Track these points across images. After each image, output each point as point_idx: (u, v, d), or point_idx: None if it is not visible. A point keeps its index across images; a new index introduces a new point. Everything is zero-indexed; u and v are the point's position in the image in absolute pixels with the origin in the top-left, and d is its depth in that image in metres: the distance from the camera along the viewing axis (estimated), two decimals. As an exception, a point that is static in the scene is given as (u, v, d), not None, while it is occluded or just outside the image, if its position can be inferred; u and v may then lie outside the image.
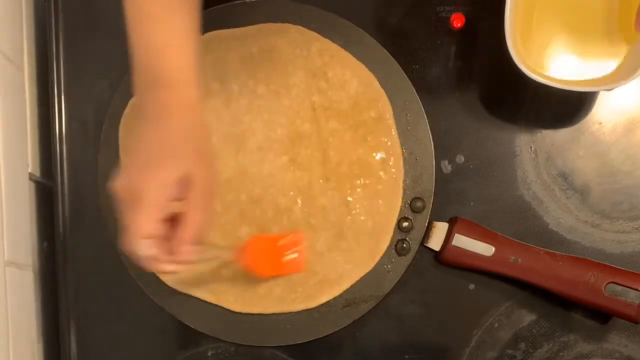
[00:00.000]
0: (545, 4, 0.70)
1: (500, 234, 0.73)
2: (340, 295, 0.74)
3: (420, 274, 0.75)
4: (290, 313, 0.74)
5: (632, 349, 0.74)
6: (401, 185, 0.74)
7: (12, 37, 0.74)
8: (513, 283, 0.73)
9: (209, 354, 0.76)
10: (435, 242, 0.74)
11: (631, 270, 0.71)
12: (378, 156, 0.74)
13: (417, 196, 0.74)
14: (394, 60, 0.74)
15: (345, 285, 0.74)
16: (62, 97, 0.76)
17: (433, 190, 0.74)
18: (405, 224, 0.74)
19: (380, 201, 0.74)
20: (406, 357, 0.75)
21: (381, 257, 0.74)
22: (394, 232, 0.74)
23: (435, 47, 0.75)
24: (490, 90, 0.76)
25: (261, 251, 0.68)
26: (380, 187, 0.74)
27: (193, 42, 0.59)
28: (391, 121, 0.74)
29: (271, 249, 0.70)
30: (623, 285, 0.70)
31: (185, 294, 0.74)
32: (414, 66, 0.75)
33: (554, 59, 0.70)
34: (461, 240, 0.72)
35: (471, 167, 0.75)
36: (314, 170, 0.74)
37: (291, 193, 0.74)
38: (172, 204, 0.55)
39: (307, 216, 0.74)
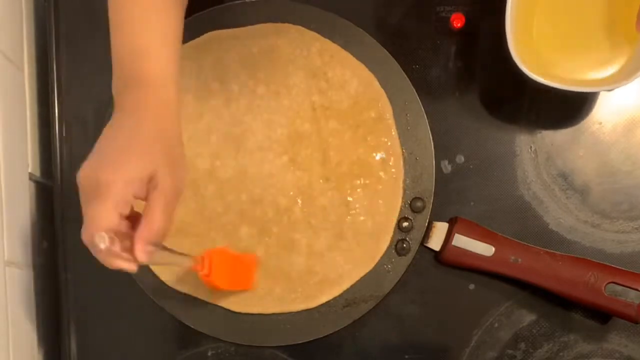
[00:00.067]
0: (546, 4, 0.70)
1: (500, 234, 0.73)
2: (340, 295, 0.74)
3: (420, 274, 0.75)
4: (290, 313, 0.74)
5: (632, 349, 0.74)
6: (401, 185, 0.74)
7: (12, 37, 0.74)
8: (513, 283, 0.73)
9: (209, 354, 0.76)
10: (435, 242, 0.74)
11: (631, 270, 0.71)
12: (378, 156, 0.74)
13: (417, 196, 0.74)
14: (394, 60, 0.74)
15: (345, 285, 0.74)
16: (62, 97, 0.76)
17: (433, 190, 0.74)
18: (405, 224, 0.74)
19: (380, 201, 0.74)
20: (406, 357, 0.75)
21: (381, 257, 0.74)
22: (394, 232, 0.74)
23: (435, 47, 0.75)
24: (490, 90, 0.76)
25: (219, 264, 0.67)
26: (380, 187, 0.74)
27: (174, 44, 0.59)
28: (391, 121, 0.74)
29: (229, 263, 0.69)
30: (623, 285, 0.70)
31: (185, 294, 0.74)
32: (414, 66, 0.75)
33: (554, 59, 0.70)
34: (461, 240, 0.72)
35: (471, 167, 0.75)
36: (314, 170, 0.74)
37: (291, 193, 0.74)
38: (134, 202, 0.55)
39: (307, 216, 0.74)
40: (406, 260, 0.74)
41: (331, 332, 0.74)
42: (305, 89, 0.74)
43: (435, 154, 0.74)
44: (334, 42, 0.75)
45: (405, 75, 0.74)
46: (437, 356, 0.75)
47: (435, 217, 0.74)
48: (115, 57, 0.59)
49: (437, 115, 0.75)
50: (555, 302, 0.74)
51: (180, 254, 0.63)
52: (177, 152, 0.58)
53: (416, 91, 0.74)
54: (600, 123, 0.75)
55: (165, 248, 0.59)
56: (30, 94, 0.77)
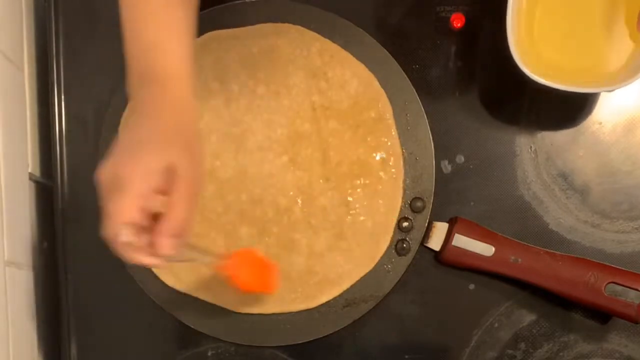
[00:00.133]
0: (547, 5, 0.70)
1: (500, 234, 0.73)
2: (340, 295, 0.74)
3: (420, 274, 0.75)
4: (290, 313, 0.74)
5: (632, 349, 0.74)
6: (401, 185, 0.74)
7: (12, 37, 0.74)
8: (513, 283, 0.73)
9: (209, 354, 0.76)
10: (435, 242, 0.74)
11: (631, 270, 0.71)
12: (378, 156, 0.74)
13: (417, 196, 0.74)
14: (394, 60, 0.74)
15: (345, 285, 0.74)
16: (62, 97, 0.76)
17: (433, 190, 0.74)
18: (405, 224, 0.74)
19: (380, 201, 0.74)
20: (406, 357, 0.75)
21: (381, 257, 0.74)
22: (394, 232, 0.74)
23: (435, 47, 0.75)
24: (490, 90, 0.76)
25: (246, 265, 0.67)
26: (380, 187, 0.74)
27: (187, 39, 0.59)
28: (391, 121, 0.74)
29: (256, 265, 0.69)
30: (623, 285, 0.70)
31: (185, 294, 0.74)
32: (414, 66, 0.75)
33: (554, 60, 0.70)
34: (461, 240, 0.72)
35: (471, 167, 0.75)
36: (314, 170, 0.74)
37: (291, 193, 0.74)
38: (156, 197, 0.53)
39: (307, 216, 0.74)
40: (406, 260, 0.74)
41: (331, 332, 0.74)
42: (305, 89, 0.74)
43: (435, 154, 0.74)
44: (334, 42, 0.75)
45: (405, 75, 0.74)
46: (437, 356, 0.75)
47: (435, 217, 0.74)
48: (129, 53, 0.58)
49: (437, 115, 0.75)
50: (555, 302, 0.74)
51: (204, 251, 0.62)
52: (196, 146, 0.58)
53: (416, 91, 0.74)
54: (600, 123, 0.75)
55: (188, 245, 0.58)
56: (30, 94, 0.77)
